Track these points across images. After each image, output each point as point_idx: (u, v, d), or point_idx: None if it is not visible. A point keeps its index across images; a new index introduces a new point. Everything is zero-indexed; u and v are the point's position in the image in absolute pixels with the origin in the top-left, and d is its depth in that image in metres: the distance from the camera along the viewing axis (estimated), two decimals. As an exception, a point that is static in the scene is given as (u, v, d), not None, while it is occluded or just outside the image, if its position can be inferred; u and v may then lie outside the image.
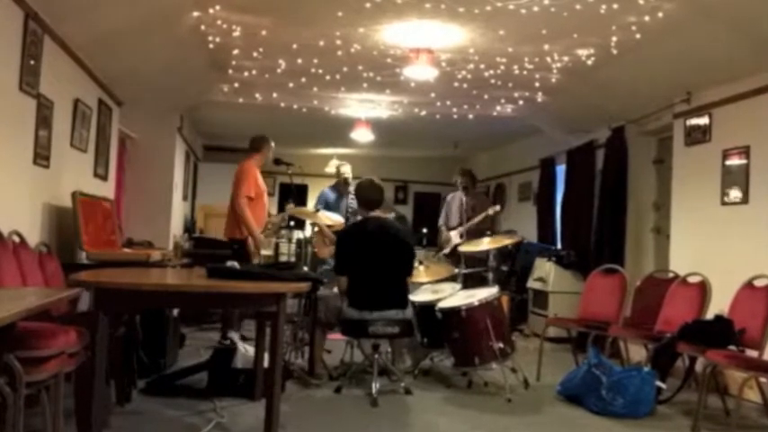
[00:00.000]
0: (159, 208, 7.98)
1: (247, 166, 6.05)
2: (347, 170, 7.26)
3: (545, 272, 7.59)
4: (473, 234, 6.66)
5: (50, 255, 4.27)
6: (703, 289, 4.97)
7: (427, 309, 5.22)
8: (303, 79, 6.83)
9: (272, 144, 6.26)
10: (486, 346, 4.88)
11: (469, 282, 6.08)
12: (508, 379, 4.91)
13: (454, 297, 5.29)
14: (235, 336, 6.02)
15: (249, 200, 5.93)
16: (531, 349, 6.41)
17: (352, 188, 6.68)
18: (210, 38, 5.58)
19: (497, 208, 7.41)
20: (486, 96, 7.32)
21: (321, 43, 5.66)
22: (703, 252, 5.65)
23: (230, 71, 6.67)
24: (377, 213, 5.09)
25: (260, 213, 6.08)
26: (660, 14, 4.67)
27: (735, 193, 5.36)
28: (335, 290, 5.11)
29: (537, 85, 6.73)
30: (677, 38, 5.02)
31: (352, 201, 6.87)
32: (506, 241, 6.25)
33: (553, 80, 6.54)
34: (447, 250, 7.44)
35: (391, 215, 5.87)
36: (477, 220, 7.09)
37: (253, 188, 5.98)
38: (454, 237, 7.36)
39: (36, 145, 4.47)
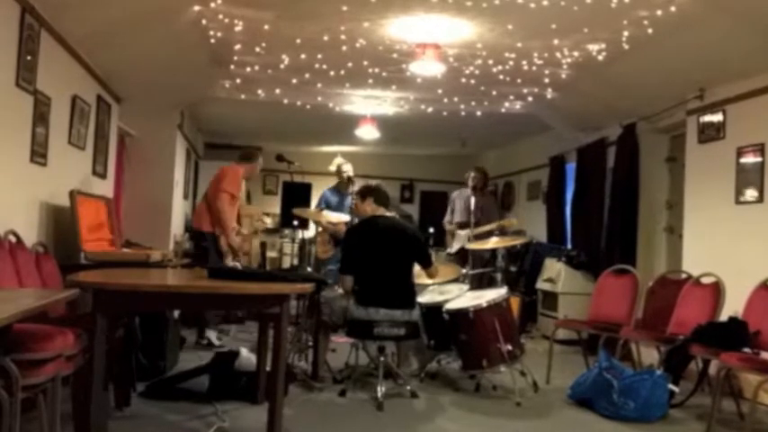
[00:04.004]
0: (159, 207, 7.92)
1: (235, 169, 6.11)
2: (349, 168, 7.09)
3: (555, 272, 7.52)
4: (480, 237, 6.53)
5: (48, 255, 4.24)
6: (717, 290, 4.90)
7: (434, 310, 5.15)
8: (307, 75, 6.77)
9: (261, 161, 6.39)
10: (495, 348, 4.80)
11: (477, 282, 5.99)
12: (517, 382, 4.84)
13: (462, 298, 5.21)
14: (212, 335, 6.02)
15: (231, 197, 5.96)
16: (541, 351, 6.36)
17: (355, 187, 6.54)
18: (212, 32, 5.53)
19: (514, 222, 7.22)
20: (494, 92, 7.27)
21: (325, 38, 5.61)
22: (717, 252, 5.57)
23: (232, 67, 6.62)
24: (384, 212, 5.05)
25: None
26: (673, 8, 4.62)
27: (749, 192, 5.28)
28: (340, 291, 5.03)
29: (546, 81, 6.67)
30: (690, 33, 4.96)
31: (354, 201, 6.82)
32: (515, 241, 6.15)
33: (563, 76, 6.47)
34: (454, 249, 7.32)
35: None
36: (487, 228, 6.85)
37: (236, 188, 6.03)
38: (462, 237, 7.23)
39: (33, 142, 4.42)
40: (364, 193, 5.15)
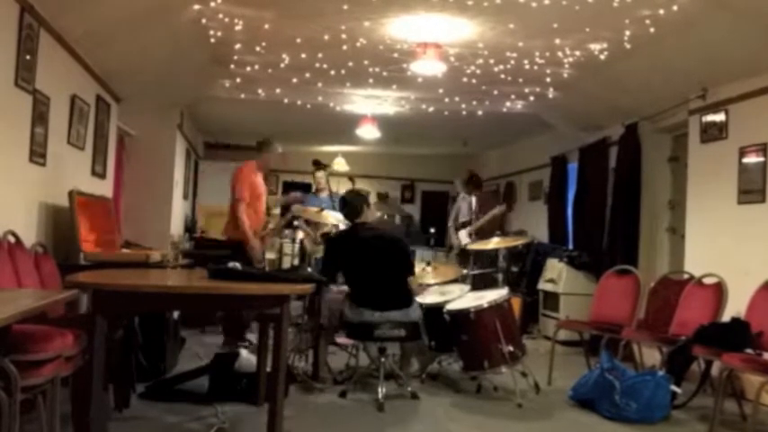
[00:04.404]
0: (159, 207, 7.91)
1: (241, 170, 6.00)
2: (321, 175, 7.32)
3: (556, 273, 7.50)
4: (484, 235, 6.54)
5: (47, 255, 4.21)
6: (719, 290, 4.88)
7: (435, 311, 5.12)
8: (307, 74, 6.76)
9: (278, 148, 6.15)
10: (496, 349, 4.77)
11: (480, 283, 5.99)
12: (518, 383, 4.82)
13: (463, 299, 5.19)
14: (253, 336, 5.90)
15: (246, 203, 5.86)
16: (542, 352, 6.33)
17: (325, 194, 6.91)
18: (212, 32, 5.52)
19: (503, 207, 7.24)
20: (495, 92, 7.25)
21: (326, 37, 5.59)
22: (719, 252, 5.54)
23: (232, 66, 6.61)
24: (365, 220, 5.04)
25: (254, 216, 6.00)
26: (675, 8, 4.60)
27: (752, 192, 5.25)
28: (336, 290, 5.01)
29: (548, 80, 6.65)
30: (693, 32, 4.95)
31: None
32: (516, 242, 6.14)
33: (565, 75, 6.45)
34: (456, 250, 7.34)
35: (395, 216, 5.79)
36: (483, 220, 6.92)
37: (246, 191, 5.88)
38: (463, 236, 7.24)
39: (32, 142, 4.40)
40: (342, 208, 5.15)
